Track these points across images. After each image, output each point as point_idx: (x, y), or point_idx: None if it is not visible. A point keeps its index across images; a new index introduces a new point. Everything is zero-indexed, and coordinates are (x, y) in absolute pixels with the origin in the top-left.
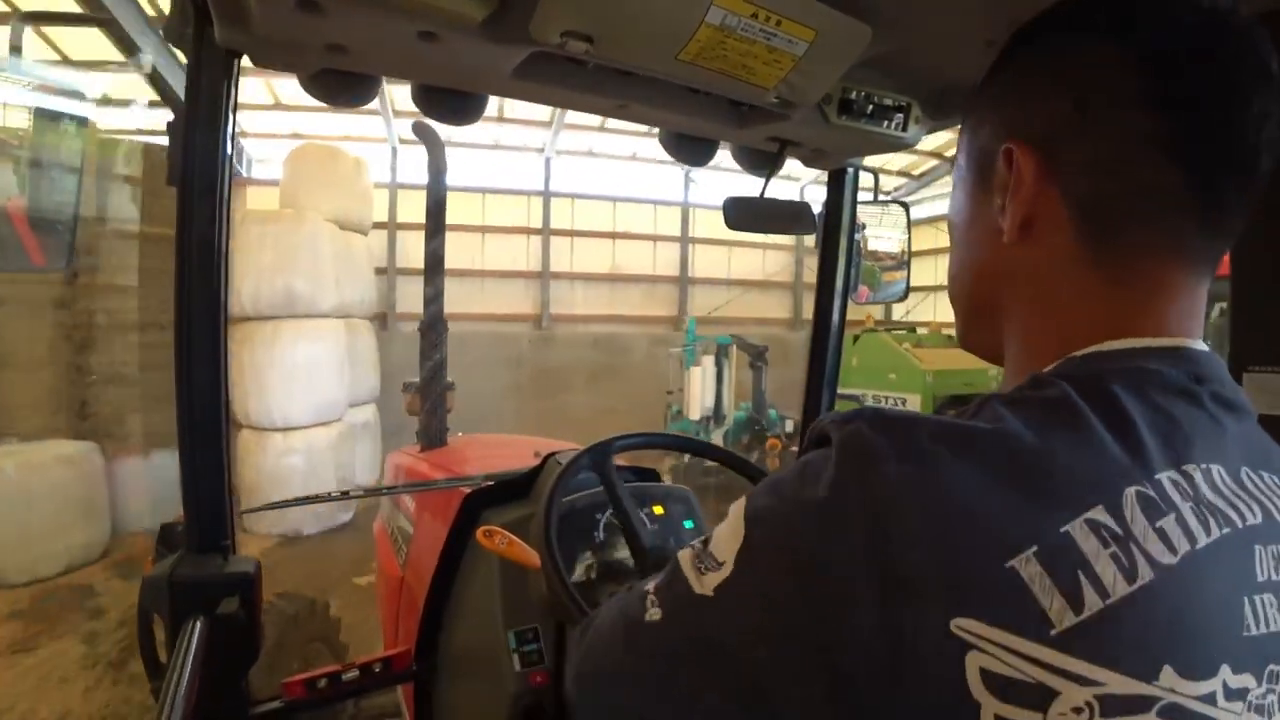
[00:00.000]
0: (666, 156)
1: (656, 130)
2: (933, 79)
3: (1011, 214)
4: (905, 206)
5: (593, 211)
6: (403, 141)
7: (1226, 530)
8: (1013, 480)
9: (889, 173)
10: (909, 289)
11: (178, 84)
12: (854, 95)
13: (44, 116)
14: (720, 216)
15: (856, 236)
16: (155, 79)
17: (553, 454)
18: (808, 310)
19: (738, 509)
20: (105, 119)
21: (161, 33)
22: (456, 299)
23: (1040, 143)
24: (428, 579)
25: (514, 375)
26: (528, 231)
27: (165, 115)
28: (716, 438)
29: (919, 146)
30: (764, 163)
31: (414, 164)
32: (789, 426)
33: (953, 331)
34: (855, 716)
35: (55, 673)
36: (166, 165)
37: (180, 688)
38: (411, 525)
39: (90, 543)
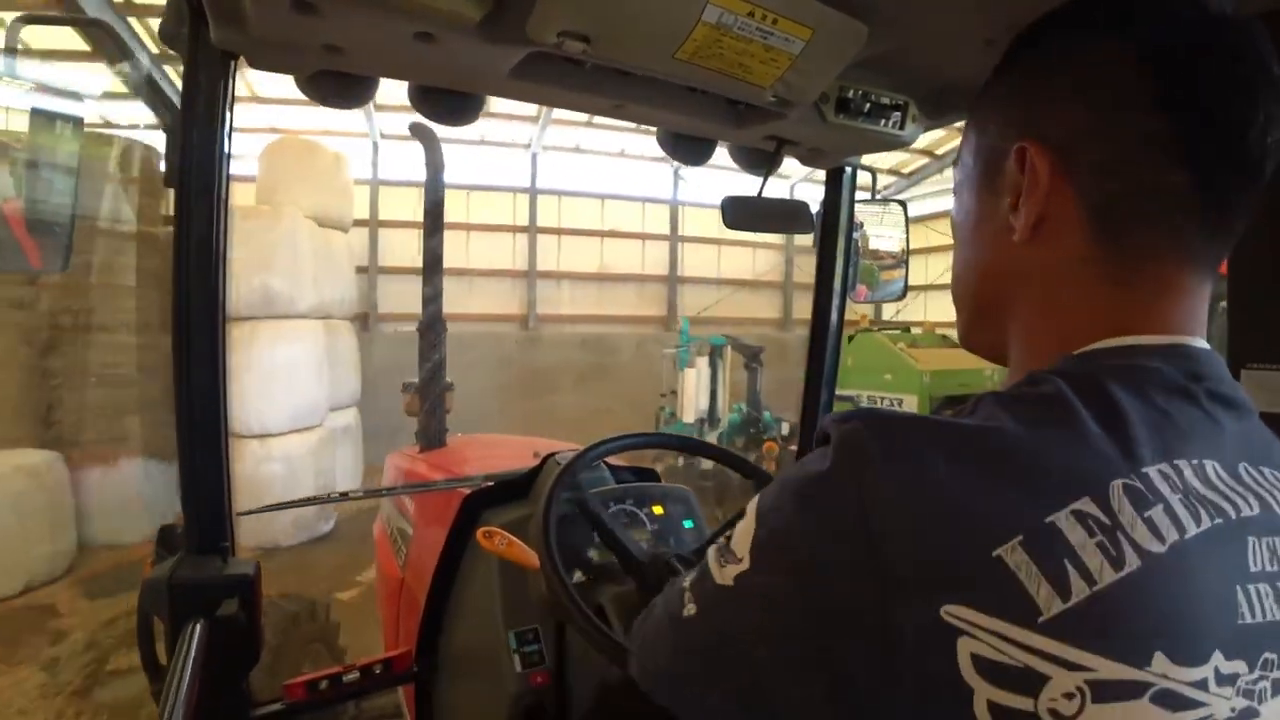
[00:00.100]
0: (655, 153)
1: (644, 126)
2: (930, 78)
3: (1025, 214)
4: (903, 205)
5: (580, 209)
6: (384, 136)
7: (1218, 521)
8: (1000, 475)
9: (879, 170)
10: (907, 288)
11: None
12: (851, 94)
13: (40, 117)
14: (710, 214)
15: (855, 235)
16: (150, 82)
17: (552, 454)
18: (799, 310)
19: (752, 504)
20: (101, 112)
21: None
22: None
23: (1054, 142)
24: (428, 580)
25: (500, 376)
26: (514, 229)
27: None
28: (711, 440)
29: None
30: (761, 162)
31: (396, 159)
32: (785, 429)
33: (947, 331)
34: (855, 717)
35: (12, 704)
36: (126, 157)
37: (180, 690)
38: (411, 526)
39: (53, 559)
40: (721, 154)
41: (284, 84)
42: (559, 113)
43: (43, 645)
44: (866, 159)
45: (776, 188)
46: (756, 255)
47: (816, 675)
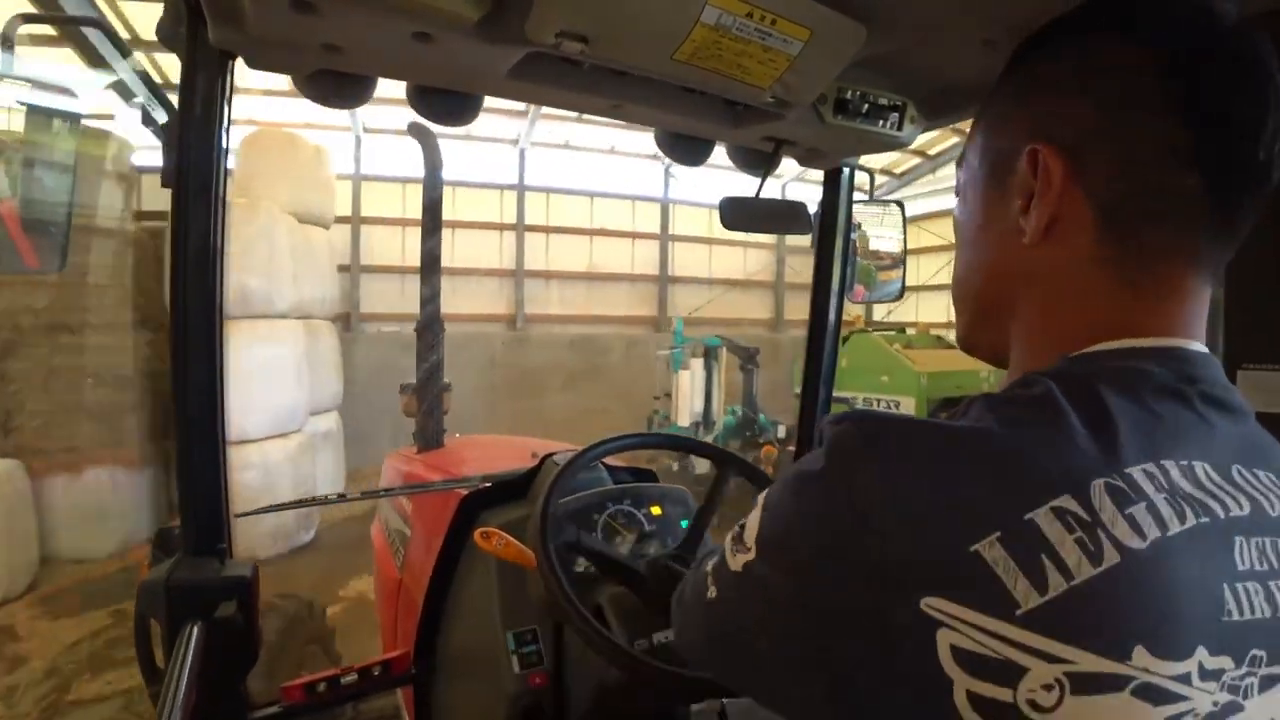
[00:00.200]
0: (646, 149)
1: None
2: (928, 79)
3: (1037, 216)
4: (901, 205)
5: (569, 207)
6: (368, 130)
7: (1204, 520)
8: (982, 474)
9: (870, 170)
10: (904, 288)
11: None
12: (849, 95)
13: (37, 115)
14: (701, 213)
15: (852, 236)
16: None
17: (550, 455)
18: (790, 310)
19: (762, 495)
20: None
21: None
22: None
23: (1066, 145)
24: (426, 581)
25: (488, 378)
26: (501, 227)
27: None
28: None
29: None
30: (759, 162)
31: (380, 154)
32: (781, 432)
33: (941, 332)
34: (855, 715)
35: None
36: (92, 145)
37: (178, 693)
38: (409, 527)
39: (13, 575)
40: (714, 152)
41: (263, 75)
42: (548, 108)
43: None
44: (864, 160)
45: (768, 186)
46: (748, 255)
47: (816, 675)
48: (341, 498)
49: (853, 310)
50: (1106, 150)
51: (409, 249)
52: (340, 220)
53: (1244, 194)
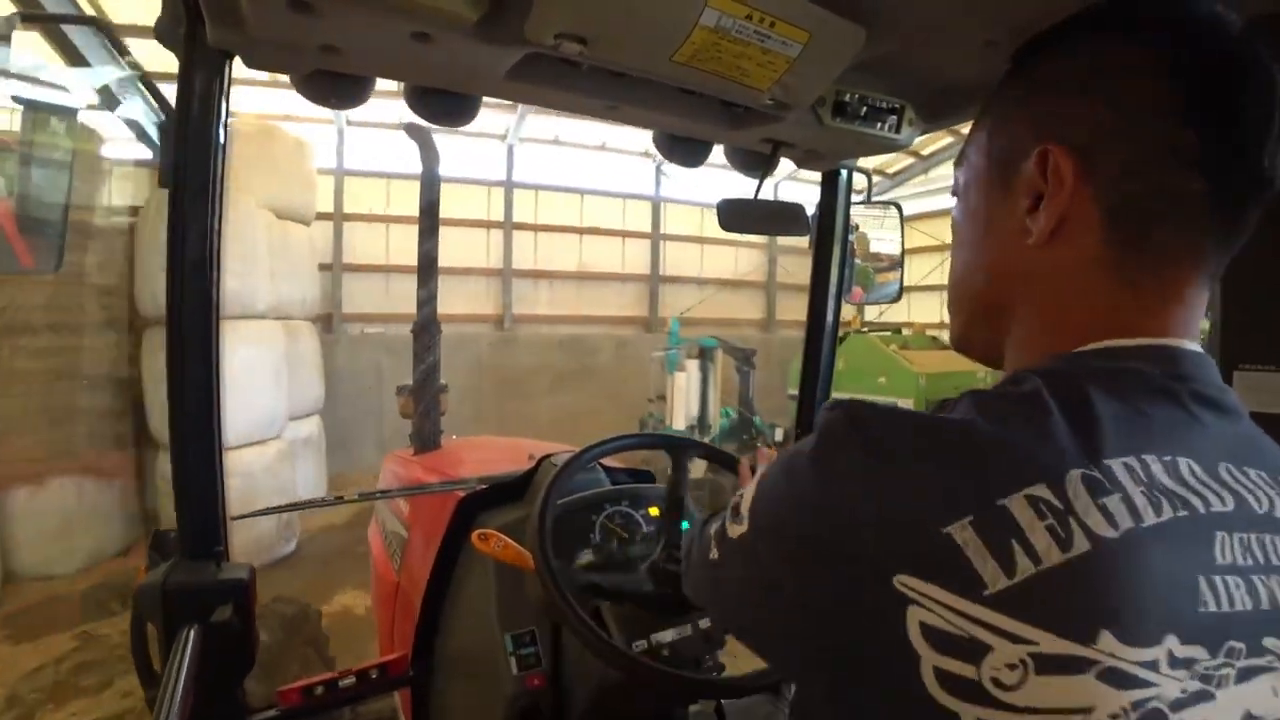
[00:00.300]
0: (637, 146)
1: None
2: (927, 81)
3: (1046, 216)
4: (898, 207)
5: (559, 204)
6: (351, 123)
7: (1183, 514)
8: (959, 463)
9: (868, 172)
10: (902, 289)
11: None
12: (848, 97)
13: (32, 113)
14: (692, 212)
15: (850, 237)
16: (143, 79)
17: (547, 456)
18: (782, 311)
19: (761, 468)
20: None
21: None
22: (412, 298)
23: (1078, 145)
24: (423, 583)
25: (475, 379)
26: (488, 225)
27: None
28: None
29: None
30: (757, 164)
31: (363, 148)
32: (779, 435)
33: (937, 333)
34: (838, 682)
35: None
36: (57, 132)
37: (175, 696)
38: (406, 529)
39: None
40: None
41: (239, 64)
42: None
43: None
44: (862, 162)
45: (758, 185)
46: (739, 254)
47: (805, 642)
48: (339, 499)
49: (847, 311)
50: (1118, 151)
51: (393, 247)
52: (322, 216)
53: (1247, 199)
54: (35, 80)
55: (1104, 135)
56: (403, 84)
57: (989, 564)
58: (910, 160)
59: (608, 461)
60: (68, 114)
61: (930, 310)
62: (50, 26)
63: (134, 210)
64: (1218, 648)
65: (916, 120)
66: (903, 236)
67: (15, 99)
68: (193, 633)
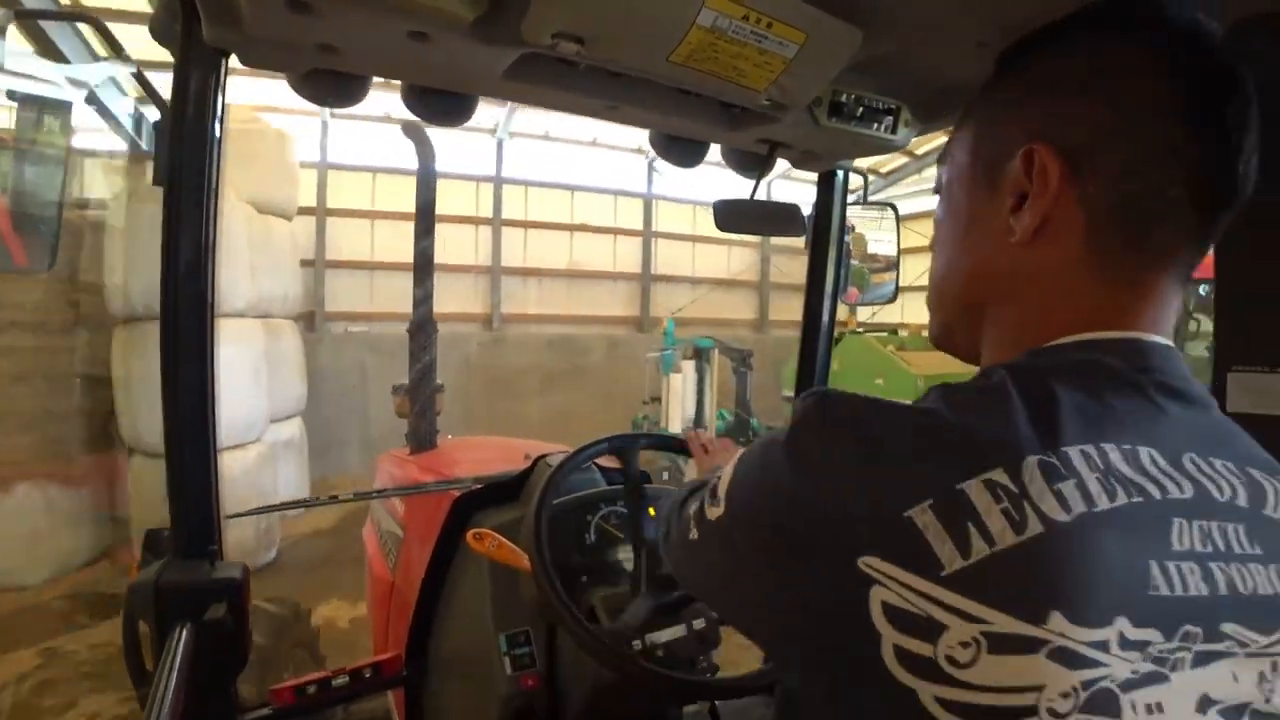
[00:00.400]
0: (628, 142)
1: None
2: (923, 82)
3: (1030, 215)
4: (894, 208)
5: (549, 201)
6: (335, 115)
7: (1137, 500)
8: (923, 447)
9: (864, 173)
10: (898, 290)
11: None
12: (844, 98)
13: (26, 108)
14: (685, 210)
15: (846, 238)
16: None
17: (543, 456)
18: (775, 311)
19: (737, 454)
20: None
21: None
22: (398, 295)
23: (1066, 146)
24: (418, 583)
25: (462, 381)
26: (476, 221)
27: None
28: None
29: None
30: (753, 164)
31: (347, 141)
32: None
33: None
34: (812, 662)
35: None
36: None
37: (167, 695)
38: (401, 529)
39: None
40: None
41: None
42: None
43: None
44: (856, 161)
45: (751, 183)
46: (732, 254)
47: (780, 621)
48: (334, 499)
49: (841, 312)
50: (1118, 151)
51: (379, 243)
52: (304, 211)
53: (1223, 206)
54: (28, 75)
55: (1104, 135)
56: (399, 83)
57: (946, 546)
58: (904, 160)
59: (603, 462)
60: (62, 110)
61: (924, 311)
62: (27, 22)
63: (105, 204)
64: (1173, 631)
65: (913, 121)
66: (899, 237)
67: (10, 94)
68: (186, 631)
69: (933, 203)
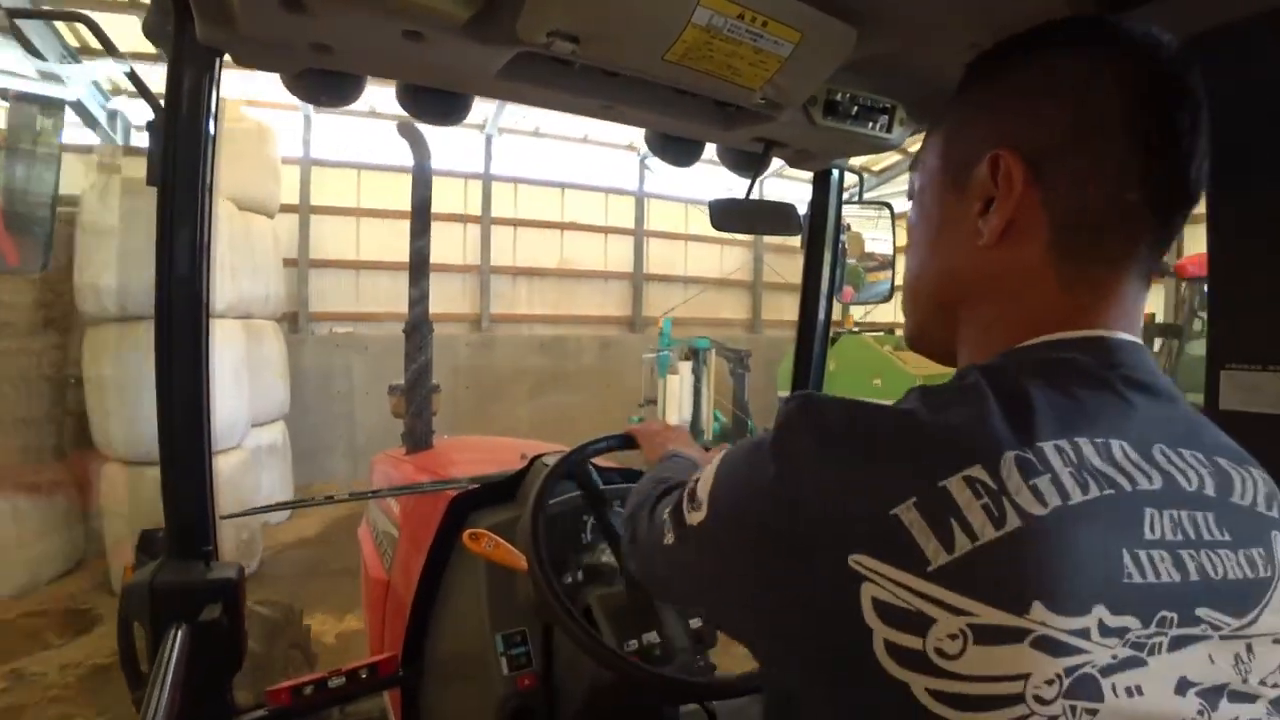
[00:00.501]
0: (620, 139)
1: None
2: (918, 81)
3: (995, 219)
4: (890, 206)
5: (539, 198)
6: (319, 110)
7: (1109, 492)
8: (905, 447)
9: (859, 172)
10: (894, 288)
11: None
12: (839, 97)
13: (18, 107)
14: (677, 208)
15: (842, 237)
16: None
17: (539, 456)
18: (769, 311)
19: (719, 456)
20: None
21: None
22: (384, 295)
23: (1028, 152)
24: (414, 583)
25: (450, 383)
26: (465, 219)
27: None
28: None
29: None
30: (749, 163)
31: (331, 136)
32: None
33: None
34: (803, 662)
35: None
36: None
37: (162, 697)
38: (397, 529)
39: None
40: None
41: None
42: None
43: None
44: (853, 161)
45: (746, 181)
46: (724, 253)
47: (766, 620)
48: (330, 499)
49: (836, 311)
50: (1067, 161)
51: (364, 242)
52: (286, 209)
53: (1178, 211)
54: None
55: (1063, 142)
56: (394, 82)
57: (931, 541)
58: (897, 157)
59: (600, 462)
60: (55, 109)
61: None
62: (8, 23)
63: (77, 201)
64: (1149, 618)
65: (907, 120)
66: (894, 236)
67: (1, 94)
68: (181, 632)
69: None
